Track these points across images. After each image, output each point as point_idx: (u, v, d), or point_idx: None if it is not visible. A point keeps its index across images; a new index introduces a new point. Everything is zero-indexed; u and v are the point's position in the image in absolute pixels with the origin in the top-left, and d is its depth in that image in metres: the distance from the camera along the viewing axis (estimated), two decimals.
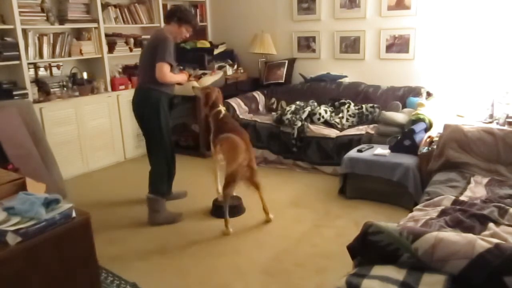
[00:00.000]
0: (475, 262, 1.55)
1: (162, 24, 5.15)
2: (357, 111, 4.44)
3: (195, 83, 3.92)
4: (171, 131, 3.35)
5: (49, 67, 4.30)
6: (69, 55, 4.32)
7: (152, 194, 3.30)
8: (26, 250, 1.66)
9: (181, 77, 3.32)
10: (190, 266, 2.66)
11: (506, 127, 3.46)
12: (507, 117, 3.63)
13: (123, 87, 4.74)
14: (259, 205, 3.49)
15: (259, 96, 5.18)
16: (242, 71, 5.55)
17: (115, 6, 4.75)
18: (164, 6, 5.21)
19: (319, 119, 4.39)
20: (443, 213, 2.24)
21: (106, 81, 4.61)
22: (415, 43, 4.50)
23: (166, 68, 3.07)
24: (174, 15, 3.23)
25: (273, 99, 5.16)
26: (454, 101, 4.16)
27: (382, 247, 1.73)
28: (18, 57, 3.84)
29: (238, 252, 2.80)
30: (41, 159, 3.48)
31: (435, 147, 3.24)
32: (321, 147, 4.14)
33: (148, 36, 5.14)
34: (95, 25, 4.44)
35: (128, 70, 4.97)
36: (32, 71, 4.14)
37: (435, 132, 3.56)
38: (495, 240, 1.65)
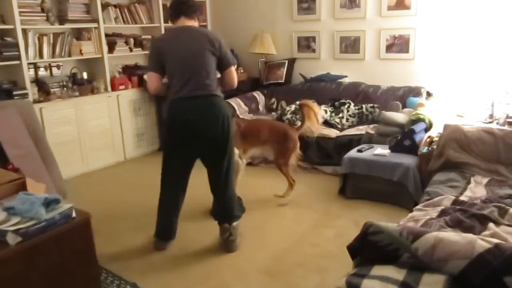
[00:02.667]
0: (475, 262, 1.55)
1: (162, 24, 5.16)
2: (357, 111, 4.44)
3: None
4: None
5: (49, 67, 4.30)
6: (69, 55, 4.32)
7: (237, 220, 2.88)
8: (26, 250, 1.66)
9: None
10: (190, 266, 2.66)
11: (506, 127, 3.46)
12: (507, 117, 3.63)
13: (123, 87, 4.74)
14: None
15: (259, 96, 5.18)
16: (242, 71, 5.55)
17: (115, 6, 4.74)
18: (164, 6, 5.21)
19: None
20: (443, 213, 2.24)
21: (106, 81, 4.61)
22: (415, 43, 4.50)
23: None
24: (198, 9, 2.71)
25: (273, 99, 5.16)
26: (454, 101, 4.16)
27: (382, 247, 1.73)
28: (18, 57, 3.84)
29: (238, 252, 2.80)
30: (41, 159, 3.48)
31: (435, 147, 3.23)
32: (321, 147, 4.14)
33: (149, 36, 5.17)
34: (95, 25, 4.44)
35: (128, 70, 4.97)
36: (32, 71, 4.14)
37: (435, 132, 3.56)
38: (495, 240, 1.64)
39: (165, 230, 2.86)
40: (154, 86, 2.66)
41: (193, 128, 2.59)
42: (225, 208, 2.86)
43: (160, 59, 2.60)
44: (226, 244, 2.82)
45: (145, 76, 4.89)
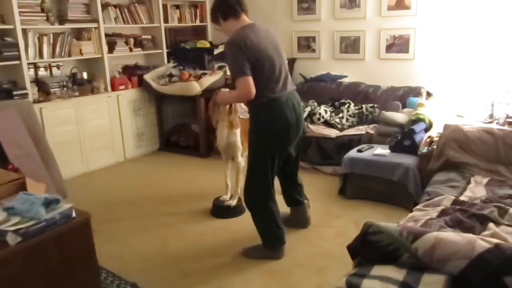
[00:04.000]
0: (475, 262, 1.55)
1: (162, 24, 5.17)
2: (357, 111, 4.44)
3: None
4: None
5: (49, 67, 4.30)
6: (69, 55, 4.32)
7: None
8: (26, 250, 1.66)
9: None
10: (190, 266, 2.66)
11: (506, 127, 3.46)
12: (507, 117, 3.63)
13: (123, 87, 4.74)
14: None
15: None
16: None
17: (115, 6, 4.74)
18: (164, 6, 5.21)
19: (319, 119, 4.39)
20: (443, 213, 2.24)
21: (106, 81, 4.61)
22: (415, 43, 4.49)
23: None
24: None
25: None
26: (454, 101, 4.16)
27: (382, 247, 1.73)
28: (18, 57, 3.83)
29: (238, 252, 2.80)
30: (41, 159, 3.48)
31: (435, 147, 3.24)
32: (321, 147, 4.14)
33: (149, 36, 5.18)
34: (95, 25, 4.44)
35: (128, 70, 4.97)
36: (32, 71, 4.14)
37: (435, 132, 3.56)
38: (495, 240, 1.65)
39: (283, 234, 2.74)
40: (254, 91, 2.43)
41: (298, 122, 2.62)
42: (301, 187, 3.04)
43: (251, 60, 2.42)
44: (306, 219, 3.06)
45: (146, 79, 4.89)
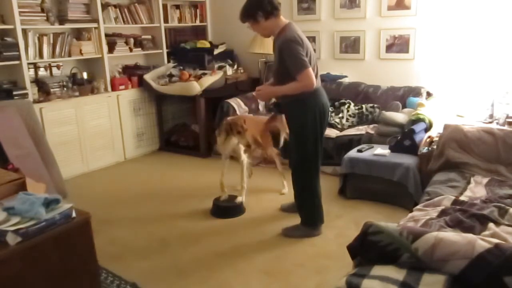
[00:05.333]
0: (475, 262, 1.55)
1: (162, 24, 5.17)
2: (357, 111, 4.44)
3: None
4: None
5: (49, 67, 4.30)
6: (69, 55, 4.32)
7: None
8: (26, 250, 1.66)
9: None
10: (190, 266, 2.66)
11: (506, 127, 3.46)
12: (507, 117, 3.63)
13: (123, 87, 4.74)
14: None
15: None
16: (242, 71, 5.55)
17: (115, 6, 4.74)
18: (164, 6, 5.21)
19: None
20: (443, 213, 2.24)
21: (106, 81, 4.61)
22: (415, 43, 4.49)
23: None
24: None
25: (273, 99, 5.15)
26: (454, 101, 4.16)
27: (382, 247, 1.73)
28: (18, 57, 3.84)
29: (238, 252, 2.80)
30: (41, 159, 3.48)
31: (435, 147, 3.24)
32: None
33: (149, 36, 5.19)
34: (95, 25, 4.44)
35: (128, 70, 4.97)
36: (32, 71, 4.14)
37: (435, 132, 3.56)
38: (495, 240, 1.65)
39: (322, 213, 3.01)
40: (315, 80, 2.70)
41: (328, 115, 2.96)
42: None
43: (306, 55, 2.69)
44: None
45: (146, 79, 4.89)
